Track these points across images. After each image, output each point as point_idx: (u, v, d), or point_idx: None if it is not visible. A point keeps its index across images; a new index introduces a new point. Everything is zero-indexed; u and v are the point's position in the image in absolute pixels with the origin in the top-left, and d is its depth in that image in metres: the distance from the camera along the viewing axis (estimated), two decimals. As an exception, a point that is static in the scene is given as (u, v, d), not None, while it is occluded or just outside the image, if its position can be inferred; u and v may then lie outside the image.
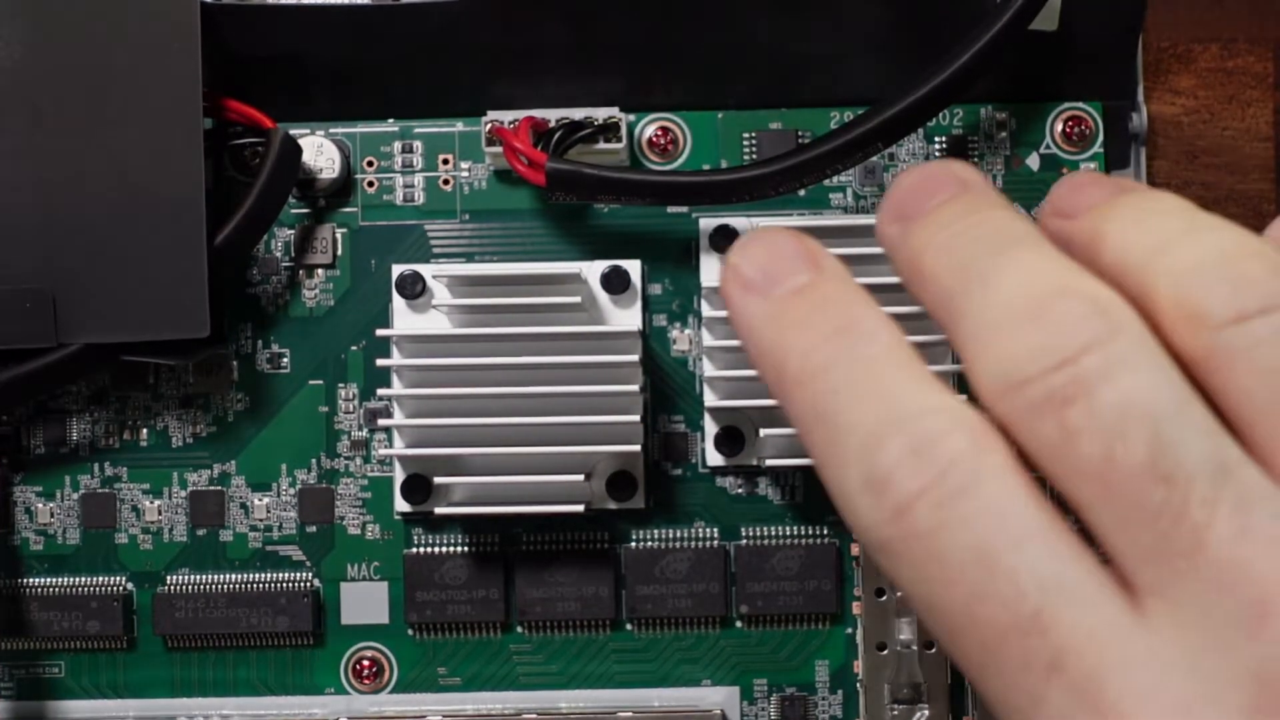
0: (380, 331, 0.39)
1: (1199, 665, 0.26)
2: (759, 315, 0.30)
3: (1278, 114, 0.43)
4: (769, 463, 0.39)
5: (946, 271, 0.29)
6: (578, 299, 0.39)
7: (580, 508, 0.39)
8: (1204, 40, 0.43)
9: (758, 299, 0.30)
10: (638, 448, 0.39)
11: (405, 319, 0.40)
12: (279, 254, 0.42)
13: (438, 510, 0.39)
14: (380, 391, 0.39)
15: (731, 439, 0.41)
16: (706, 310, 0.40)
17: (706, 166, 0.42)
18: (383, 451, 0.40)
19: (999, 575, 0.26)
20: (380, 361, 0.39)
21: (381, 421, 0.39)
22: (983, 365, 0.27)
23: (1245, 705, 0.25)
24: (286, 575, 0.42)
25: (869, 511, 0.27)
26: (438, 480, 0.40)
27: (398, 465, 0.41)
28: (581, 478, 0.39)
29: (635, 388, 0.39)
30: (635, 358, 0.39)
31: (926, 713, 0.40)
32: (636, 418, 0.39)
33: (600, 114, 0.40)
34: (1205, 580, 0.26)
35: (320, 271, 0.42)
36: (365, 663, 0.41)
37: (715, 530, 0.41)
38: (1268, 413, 0.27)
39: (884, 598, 0.40)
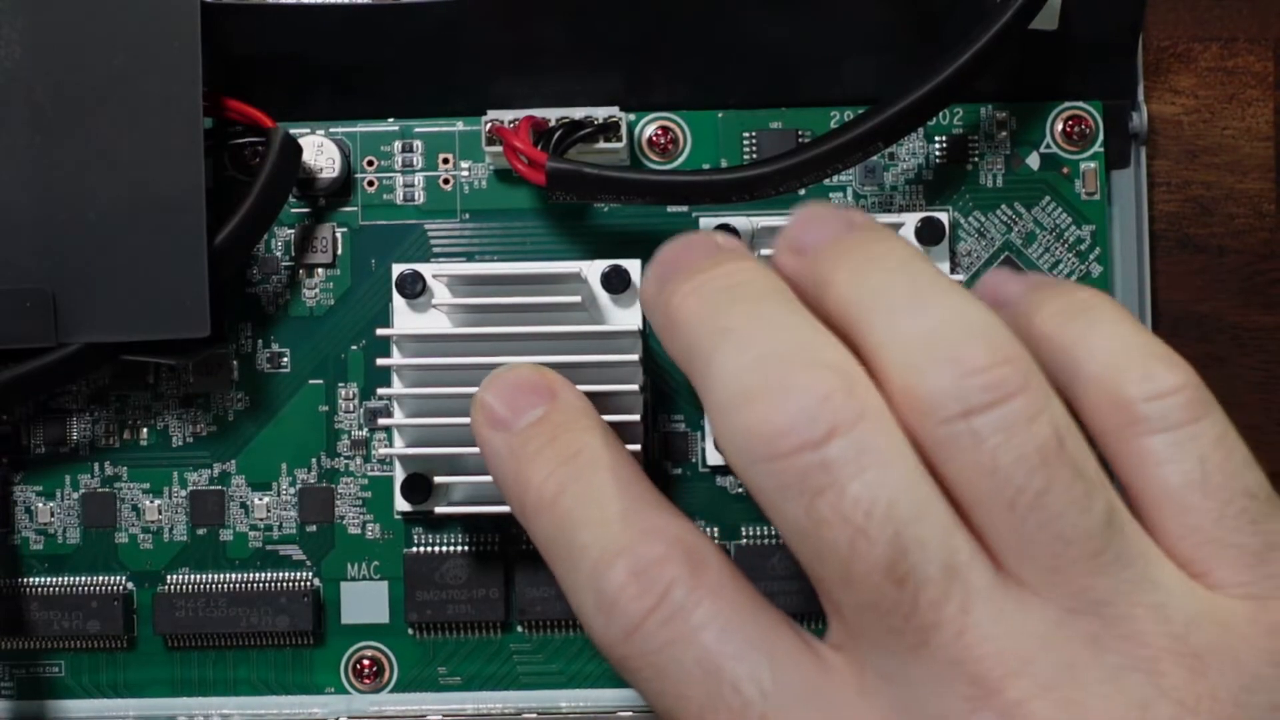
0: (380, 331, 0.39)
1: None
2: (502, 449, 0.33)
3: (1278, 114, 0.43)
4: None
5: (691, 323, 0.31)
6: (578, 298, 0.39)
7: (580, 507, 0.39)
8: (1204, 40, 0.43)
9: (501, 434, 0.33)
10: (638, 447, 0.39)
11: (405, 318, 0.40)
12: (279, 253, 0.42)
13: (438, 510, 0.39)
14: (380, 391, 0.39)
15: (732, 438, 0.41)
16: (707, 310, 0.40)
17: (706, 166, 0.42)
18: (383, 451, 0.40)
19: (724, 686, 0.28)
20: (380, 361, 0.39)
21: (381, 421, 0.39)
22: (725, 434, 0.29)
23: None
24: (286, 575, 0.41)
25: (603, 631, 0.29)
26: (438, 480, 0.39)
27: (398, 465, 0.41)
28: (582, 477, 0.39)
29: (635, 387, 0.39)
30: (635, 357, 0.39)
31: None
32: (637, 417, 0.39)
33: (600, 113, 0.40)
34: (927, 674, 0.27)
35: (320, 271, 0.42)
36: (365, 662, 0.42)
37: (715, 530, 0.41)
38: (992, 511, 0.28)
39: (884, 597, 0.40)
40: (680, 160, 0.42)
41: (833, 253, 0.32)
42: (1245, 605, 0.29)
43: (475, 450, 0.39)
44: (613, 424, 0.39)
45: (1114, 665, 0.28)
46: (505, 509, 0.39)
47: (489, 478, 0.39)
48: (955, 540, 0.28)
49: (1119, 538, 0.28)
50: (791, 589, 0.41)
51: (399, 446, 0.40)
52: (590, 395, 0.39)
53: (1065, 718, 0.27)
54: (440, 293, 0.40)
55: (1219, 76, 0.43)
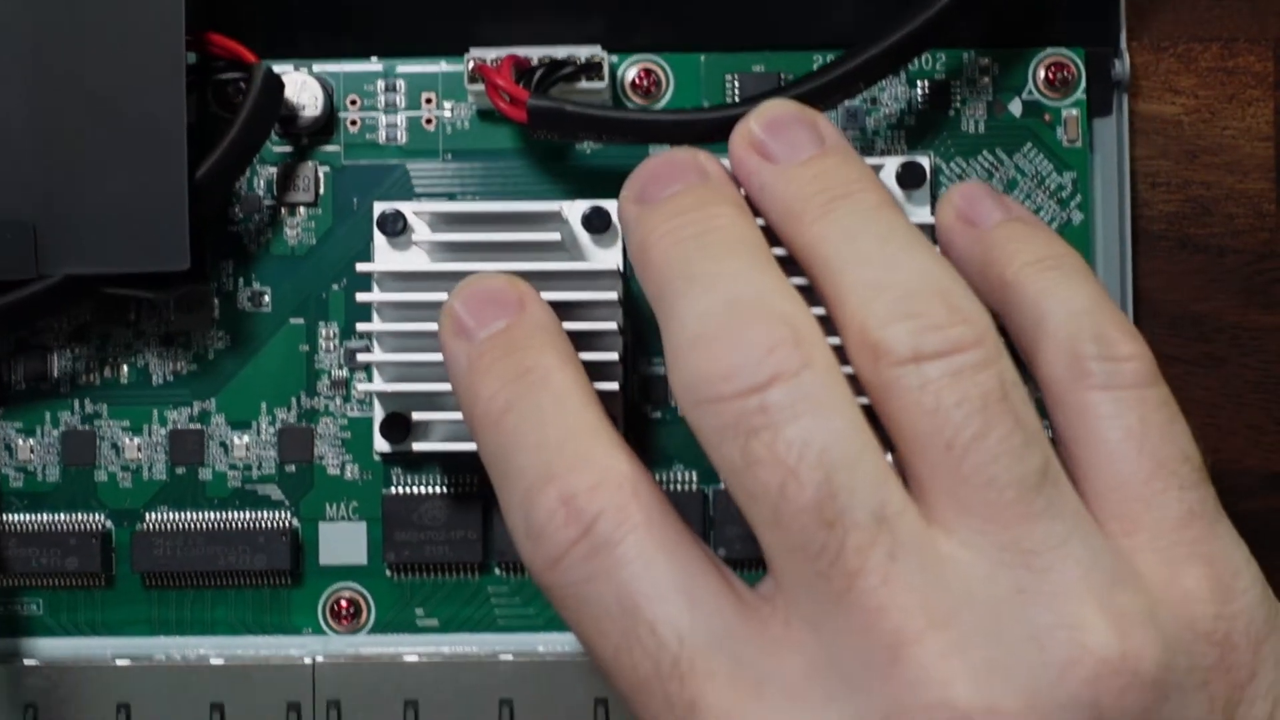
0: (360, 266, 0.39)
1: (831, 701, 0.28)
2: (460, 358, 0.33)
3: (1278, 114, 0.43)
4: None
5: (662, 265, 0.31)
6: (558, 236, 0.39)
7: (559, 445, 0.39)
8: (1204, 40, 0.43)
9: (463, 342, 0.33)
10: (616, 385, 0.39)
11: (386, 256, 0.40)
12: (261, 192, 0.42)
13: (415, 445, 0.39)
14: (360, 326, 0.39)
15: (711, 379, 0.41)
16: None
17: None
18: (362, 387, 0.40)
19: (641, 626, 0.29)
20: (360, 296, 0.39)
21: (361, 357, 0.39)
22: (677, 373, 0.30)
23: None
24: (265, 514, 0.41)
25: (530, 557, 0.30)
26: (416, 416, 0.39)
27: (377, 404, 0.41)
28: (560, 415, 0.39)
29: (614, 326, 0.39)
30: (615, 295, 0.39)
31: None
32: (615, 356, 0.39)
33: (583, 53, 0.40)
34: (850, 621, 0.27)
35: (302, 210, 0.42)
36: (343, 603, 0.41)
37: (694, 474, 0.41)
38: (924, 450, 0.29)
39: (862, 541, 0.40)
40: (662, 103, 0.42)
41: (805, 178, 0.33)
42: (1162, 569, 0.29)
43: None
44: (591, 363, 0.39)
45: (1038, 622, 0.28)
46: (483, 446, 0.39)
47: (468, 414, 0.39)
48: (887, 490, 0.28)
49: (1051, 489, 0.29)
50: (770, 532, 0.41)
51: (378, 383, 0.40)
52: (569, 334, 0.39)
53: (985, 675, 0.27)
54: (421, 230, 0.40)
55: (1219, 76, 0.43)
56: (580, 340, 0.39)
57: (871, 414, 0.29)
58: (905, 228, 0.31)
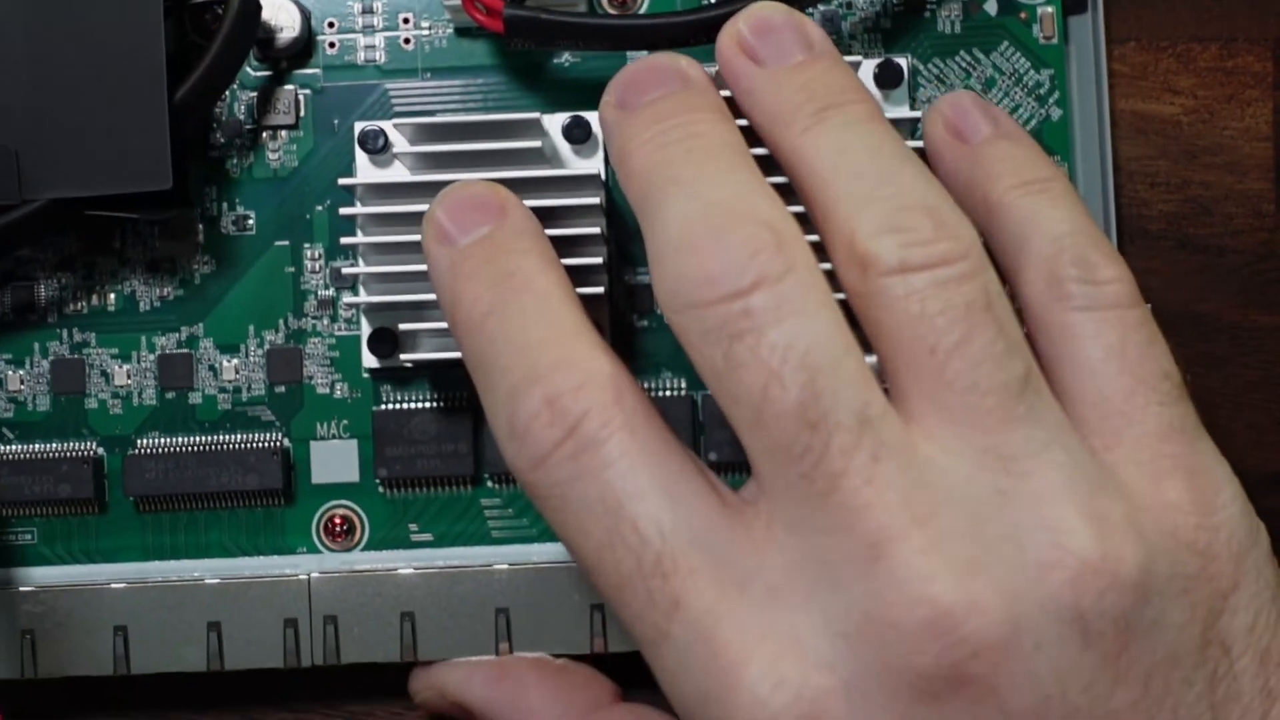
0: (342, 181, 0.39)
1: (813, 599, 0.28)
2: (444, 263, 0.33)
3: (1278, 114, 0.43)
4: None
5: (645, 171, 0.32)
6: (538, 144, 0.39)
7: (545, 350, 0.39)
8: (1204, 40, 0.43)
9: (446, 248, 0.33)
10: (602, 290, 0.39)
11: (368, 174, 0.41)
12: (241, 116, 0.42)
13: (403, 356, 0.39)
14: (344, 240, 0.39)
15: (696, 284, 0.41)
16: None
17: (666, 19, 0.42)
18: (348, 300, 0.40)
19: (624, 524, 0.29)
20: (344, 210, 0.39)
21: (346, 270, 0.39)
22: (660, 279, 0.30)
23: (850, 633, 0.27)
24: (256, 435, 0.42)
25: (514, 458, 0.30)
26: (403, 327, 0.40)
27: (364, 321, 0.41)
28: (546, 321, 0.39)
29: (597, 230, 0.39)
30: (596, 200, 0.39)
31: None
32: (599, 260, 0.39)
33: (558, -38, 0.40)
34: (833, 520, 0.28)
35: (283, 133, 0.42)
36: (337, 520, 0.42)
37: (681, 380, 0.42)
38: (908, 356, 0.29)
39: (851, 441, 0.41)
40: (641, 11, 0.42)
41: (795, 85, 0.33)
42: (1143, 481, 0.30)
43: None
44: (575, 267, 0.39)
45: (1018, 524, 0.28)
46: (470, 354, 0.39)
47: (454, 323, 0.39)
48: (870, 393, 0.28)
49: (1033, 396, 0.29)
50: (759, 436, 0.41)
51: (363, 296, 0.40)
52: (552, 240, 0.39)
53: (965, 573, 0.27)
54: (401, 145, 0.40)
55: (1219, 76, 0.43)
56: (563, 245, 0.39)
57: (854, 323, 0.30)
58: (894, 141, 0.32)
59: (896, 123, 0.39)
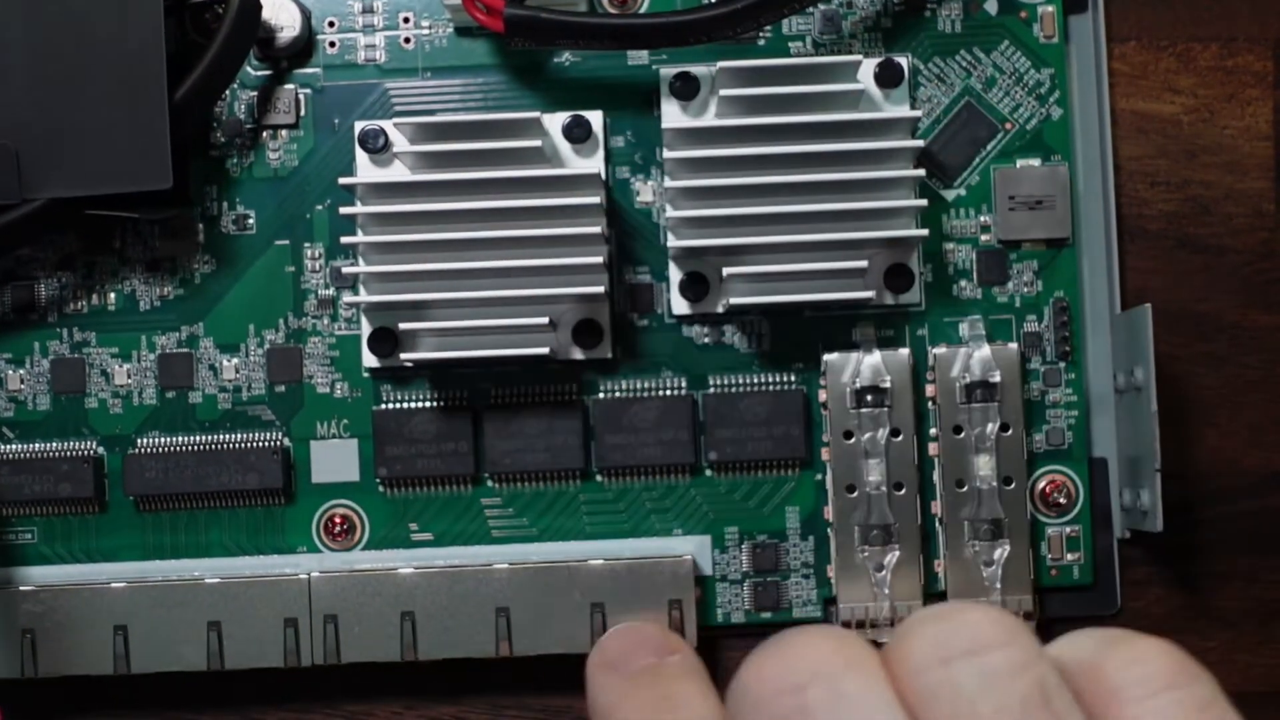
0: (342, 180, 0.39)
1: None
2: (606, 686, 0.34)
3: (1278, 113, 0.43)
4: (733, 301, 0.40)
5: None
6: (538, 143, 0.39)
7: (545, 349, 0.39)
8: (1204, 39, 0.43)
9: (611, 675, 0.34)
10: (602, 289, 0.39)
11: (368, 173, 0.41)
12: (242, 116, 0.42)
13: (404, 356, 0.39)
14: (344, 239, 0.39)
15: (695, 283, 0.41)
16: (667, 154, 0.40)
17: (666, 18, 0.42)
18: (349, 299, 0.40)
19: None
20: (344, 210, 0.39)
21: (346, 270, 0.39)
22: (731, 696, 0.28)
23: None
24: (256, 435, 0.42)
25: None
26: (404, 326, 0.40)
27: (364, 320, 0.41)
28: (546, 320, 0.39)
29: (597, 229, 0.39)
30: (597, 200, 0.39)
31: (897, 554, 0.41)
32: (600, 259, 0.39)
33: (558, -39, 0.40)
34: None
35: (283, 132, 0.42)
36: (337, 519, 0.42)
37: (683, 380, 0.42)
38: None
39: (852, 440, 0.41)
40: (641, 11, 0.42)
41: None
42: None
43: (440, 296, 0.39)
44: (576, 266, 0.39)
45: None
46: (472, 353, 0.39)
47: (455, 323, 0.39)
48: None
49: None
50: (761, 435, 0.41)
51: (363, 295, 0.40)
52: (552, 237, 0.39)
53: None
54: (402, 144, 0.40)
55: (1219, 76, 0.43)
56: (563, 245, 0.39)
57: None
58: None
59: (896, 122, 0.39)
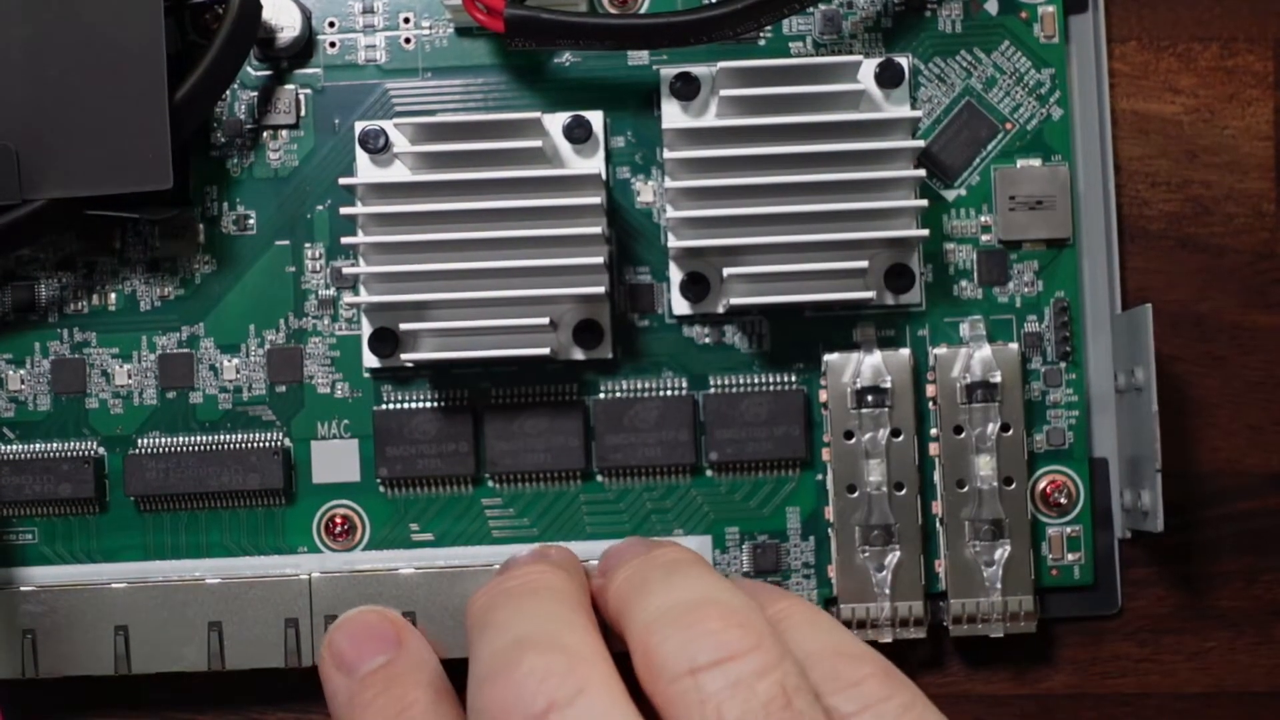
0: (343, 180, 0.39)
1: None
2: (342, 692, 0.35)
3: (1278, 114, 0.43)
4: (734, 301, 0.40)
5: (471, 616, 0.33)
6: (538, 143, 0.39)
7: (546, 350, 0.39)
8: (1204, 39, 0.43)
9: (344, 677, 0.35)
10: (602, 289, 0.39)
11: (369, 173, 0.41)
12: (242, 116, 0.42)
13: (404, 356, 0.39)
14: (345, 240, 0.39)
15: (696, 283, 0.41)
16: (668, 154, 0.40)
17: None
18: (349, 300, 0.40)
19: None
20: (344, 210, 0.39)
21: (347, 270, 0.39)
22: (471, 711, 0.30)
23: None
24: (257, 435, 0.42)
25: None
26: (404, 327, 0.40)
27: (364, 320, 0.41)
28: (547, 320, 0.39)
29: (598, 229, 0.39)
30: (597, 200, 0.39)
31: (898, 554, 0.41)
32: (600, 259, 0.39)
33: (558, -38, 0.40)
34: None
35: (284, 132, 0.42)
36: (338, 520, 0.42)
37: (684, 380, 0.42)
38: None
39: (852, 440, 0.41)
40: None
41: (620, 563, 0.34)
42: None
43: (441, 296, 0.39)
44: (577, 267, 0.39)
45: None
46: (473, 354, 0.39)
47: (456, 323, 0.39)
48: None
49: None
50: (761, 435, 0.41)
51: (363, 295, 0.40)
52: (552, 238, 0.39)
53: None
54: (402, 144, 0.40)
55: (1219, 76, 0.43)
56: (564, 245, 0.39)
57: None
58: (698, 568, 0.32)
59: (897, 123, 0.39)
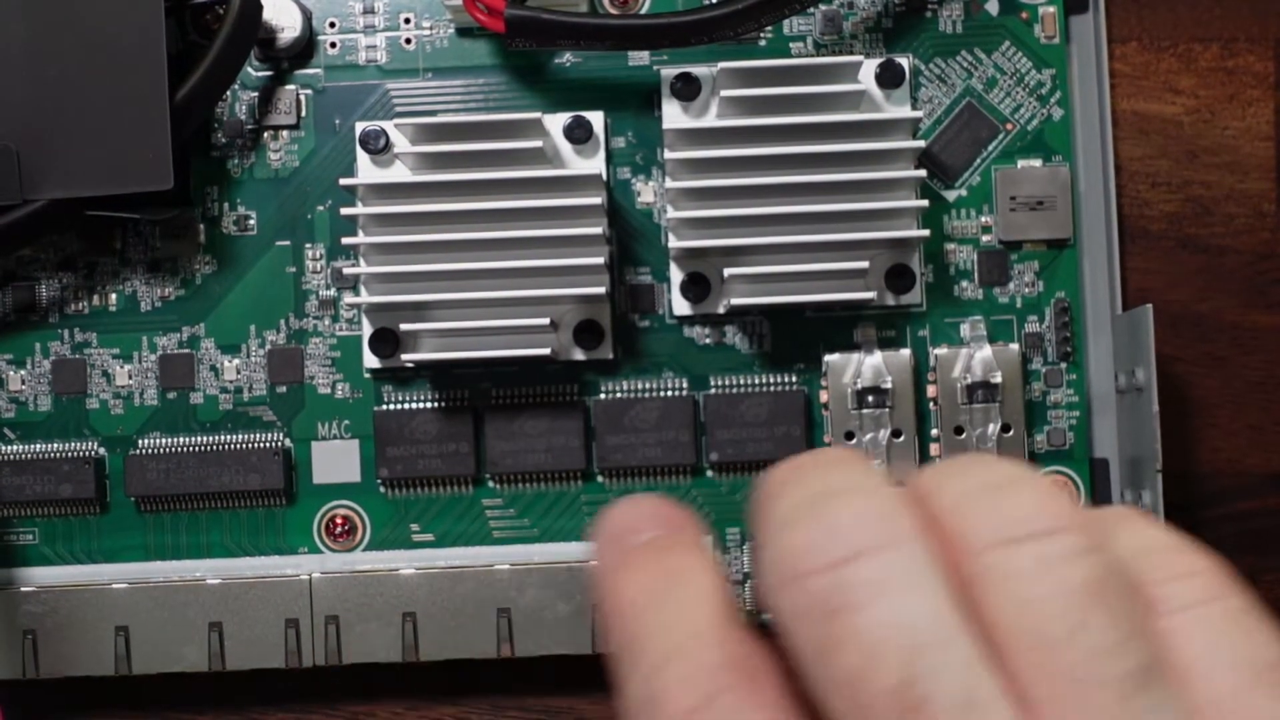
0: (343, 181, 0.39)
1: None
2: (611, 561, 0.32)
3: (1278, 114, 0.43)
4: (734, 302, 0.40)
5: (766, 487, 0.31)
6: (539, 143, 0.39)
7: (547, 350, 0.39)
8: (1204, 40, 0.43)
9: (615, 549, 0.32)
10: (603, 289, 0.39)
11: (370, 174, 0.41)
12: (243, 116, 0.42)
13: (405, 357, 0.39)
14: (345, 240, 0.39)
15: (696, 284, 0.41)
16: (668, 154, 0.40)
17: (667, 19, 0.42)
18: (350, 300, 0.40)
19: None
20: (345, 211, 0.39)
21: (347, 270, 0.39)
22: (763, 564, 0.27)
23: None
24: (257, 436, 0.42)
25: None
26: (405, 327, 0.40)
27: (365, 321, 0.41)
28: (548, 321, 0.39)
29: (598, 230, 0.39)
30: (598, 200, 0.39)
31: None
32: (601, 259, 0.39)
33: (559, -38, 0.40)
34: None
35: (285, 133, 0.42)
36: (338, 520, 0.42)
37: (684, 380, 0.42)
38: (1022, 644, 0.26)
39: (853, 441, 0.41)
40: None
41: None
42: None
43: (441, 297, 0.39)
44: (577, 267, 0.39)
45: None
46: (474, 354, 0.39)
47: (456, 324, 0.39)
48: (977, 674, 0.26)
49: (1157, 689, 0.27)
50: (761, 436, 0.41)
51: (364, 296, 0.40)
52: (553, 238, 0.39)
53: None
54: (402, 145, 0.40)
55: (1219, 76, 0.43)
56: (564, 245, 0.39)
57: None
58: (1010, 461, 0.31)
59: (897, 123, 0.39)
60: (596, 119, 0.41)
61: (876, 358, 0.41)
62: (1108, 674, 0.27)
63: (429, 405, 0.41)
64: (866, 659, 0.26)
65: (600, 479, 0.42)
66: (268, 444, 0.41)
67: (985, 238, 0.42)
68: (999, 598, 0.27)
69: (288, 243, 0.42)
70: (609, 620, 0.32)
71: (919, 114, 0.39)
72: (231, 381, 0.42)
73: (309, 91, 0.42)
